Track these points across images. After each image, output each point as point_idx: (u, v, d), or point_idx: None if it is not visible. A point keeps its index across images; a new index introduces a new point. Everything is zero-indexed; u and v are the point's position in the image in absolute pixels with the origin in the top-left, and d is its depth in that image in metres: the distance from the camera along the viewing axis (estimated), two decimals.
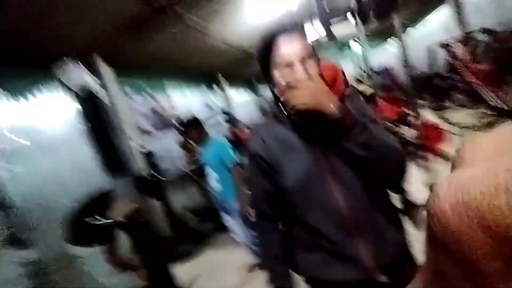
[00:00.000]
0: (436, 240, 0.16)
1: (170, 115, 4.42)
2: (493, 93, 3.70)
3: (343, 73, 1.11)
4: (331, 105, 0.65)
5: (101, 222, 1.63)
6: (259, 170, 0.80)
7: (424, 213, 0.14)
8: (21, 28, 1.76)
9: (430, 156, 2.44)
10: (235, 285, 2.39)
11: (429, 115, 4.14)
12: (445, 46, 4.64)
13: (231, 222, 2.24)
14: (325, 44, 7.18)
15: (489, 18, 5.32)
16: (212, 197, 2.56)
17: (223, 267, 2.73)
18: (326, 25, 5.29)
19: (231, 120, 4.69)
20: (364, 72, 7.41)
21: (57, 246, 1.90)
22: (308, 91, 0.66)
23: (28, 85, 2.06)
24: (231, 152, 2.12)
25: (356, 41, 7.06)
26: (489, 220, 0.17)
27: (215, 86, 5.10)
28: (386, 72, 7.43)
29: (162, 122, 4.29)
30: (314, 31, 5.39)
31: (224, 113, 4.95)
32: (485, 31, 4.42)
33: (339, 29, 6.54)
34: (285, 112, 0.78)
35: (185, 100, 4.61)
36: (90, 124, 2.25)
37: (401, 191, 1.67)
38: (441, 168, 2.21)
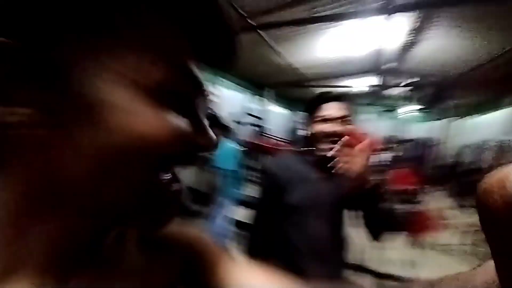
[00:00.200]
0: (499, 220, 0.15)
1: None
2: None
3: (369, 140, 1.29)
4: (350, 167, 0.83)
5: None
6: (269, 182, 0.97)
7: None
8: None
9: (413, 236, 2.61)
10: None
11: (441, 200, 4.05)
12: (492, 148, 4.54)
13: (217, 213, 2.38)
14: (373, 100, 7.27)
15: None
16: (211, 184, 2.67)
17: None
18: (383, 86, 5.42)
19: (260, 128, 4.87)
20: (397, 140, 7.34)
21: None
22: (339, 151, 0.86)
23: None
24: (237, 156, 2.28)
25: (402, 108, 7.08)
26: None
27: (260, 95, 5.37)
28: (421, 146, 7.30)
29: None
30: (366, 83, 5.53)
31: (257, 118, 5.15)
32: None
33: (392, 92, 6.61)
34: (310, 151, 0.97)
35: (227, 98, 4.90)
36: None
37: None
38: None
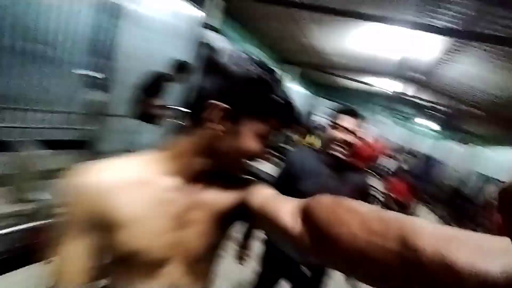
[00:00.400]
0: None
1: None
2: None
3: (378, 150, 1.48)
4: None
5: None
6: (286, 169, 1.14)
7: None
8: None
9: None
10: None
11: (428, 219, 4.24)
12: (498, 184, 4.52)
13: None
14: (392, 105, 7.16)
15: None
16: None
17: None
18: (405, 94, 5.38)
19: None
20: (406, 151, 7.37)
21: None
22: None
23: None
24: None
25: (419, 120, 6.99)
26: None
27: (285, 70, 5.43)
28: (427, 163, 7.40)
29: None
30: (389, 86, 5.48)
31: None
32: None
33: (412, 103, 6.49)
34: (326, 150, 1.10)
35: None
36: None
37: None
38: None
